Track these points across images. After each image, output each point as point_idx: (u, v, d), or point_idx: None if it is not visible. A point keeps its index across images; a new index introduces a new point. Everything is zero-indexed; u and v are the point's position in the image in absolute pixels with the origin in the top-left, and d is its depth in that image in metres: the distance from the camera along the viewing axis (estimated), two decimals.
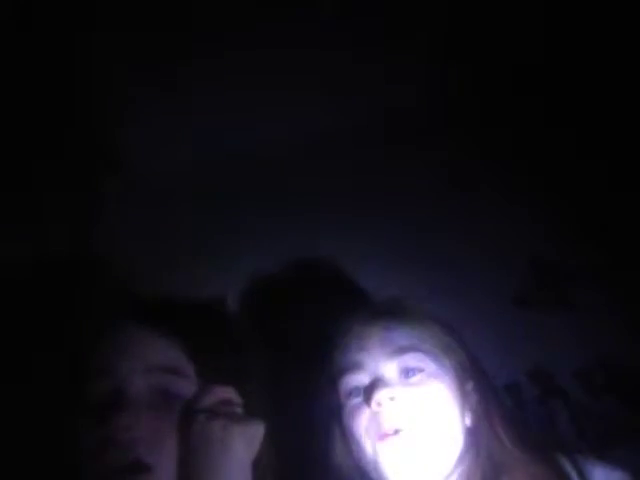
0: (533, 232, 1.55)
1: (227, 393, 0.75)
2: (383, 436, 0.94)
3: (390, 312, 1.03)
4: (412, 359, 0.98)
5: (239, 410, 0.75)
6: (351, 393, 0.99)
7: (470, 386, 1.02)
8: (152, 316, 0.78)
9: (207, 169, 1.89)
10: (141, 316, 0.78)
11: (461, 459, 0.96)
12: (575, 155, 1.53)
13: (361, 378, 0.98)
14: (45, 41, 1.50)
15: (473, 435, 0.98)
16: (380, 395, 0.94)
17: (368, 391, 0.96)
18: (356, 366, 0.99)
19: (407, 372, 0.97)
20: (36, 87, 1.47)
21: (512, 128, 1.63)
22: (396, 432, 0.93)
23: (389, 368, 0.97)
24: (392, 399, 0.94)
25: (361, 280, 1.57)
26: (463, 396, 0.99)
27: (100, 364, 0.75)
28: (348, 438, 0.99)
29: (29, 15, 1.45)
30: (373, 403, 0.94)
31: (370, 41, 1.61)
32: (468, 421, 0.99)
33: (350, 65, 1.66)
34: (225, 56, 1.66)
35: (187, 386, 0.75)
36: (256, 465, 0.72)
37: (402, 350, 0.98)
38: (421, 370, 0.97)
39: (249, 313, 1.68)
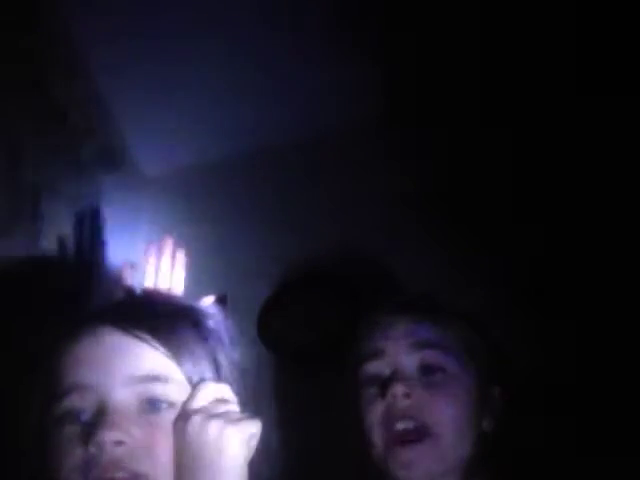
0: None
1: (221, 391, 0.74)
2: (393, 430, 0.93)
3: (420, 306, 1.01)
4: (435, 356, 0.96)
5: (235, 408, 0.74)
6: (369, 381, 0.98)
7: (496, 391, 0.99)
8: (130, 320, 0.74)
9: (207, 169, 1.90)
10: (118, 320, 0.74)
11: (473, 465, 0.94)
12: (576, 154, 1.52)
13: (381, 366, 0.97)
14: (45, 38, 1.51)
15: (492, 442, 0.96)
16: (396, 389, 0.93)
17: (385, 383, 0.95)
18: (377, 353, 0.98)
19: (427, 369, 0.96)
20: (33, 84, 1.47)
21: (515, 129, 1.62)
22: (406, 429, 0.92)
23: (410, 361, 0.96)
24: (407, 395, 0.93)
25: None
26: (484, 400, 0.97)
27: (78, 377, 0.72)
28: (362, 426, 0.98)
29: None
30: (388, 396, 0.93)
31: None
32: (487, 426, 0.97)
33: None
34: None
35: (176, 391, 0.73)
36: (252, 465, 0.71)
37: (426, 344, 0.96)
38: (442, 369, 0.96)
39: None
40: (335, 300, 1.62)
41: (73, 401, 0.72)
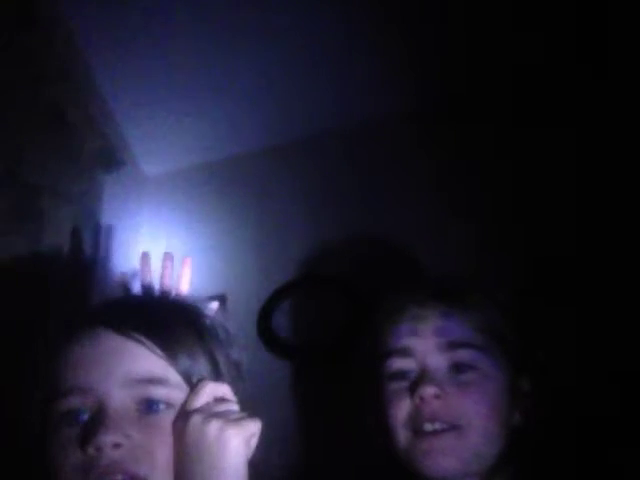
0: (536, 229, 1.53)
1: (221, 390, 0.74)
2: (421, 433, 0.88)
3: (448, 295, 0.96)
4: (466, 355, 0.92)
5: (235, 407, 0.73)
6: (394, 377, 0.93)
7: (526, 385, 0.95)
8: (126, 322, 0.74)
9: (207, 169, 1.90)
10: (115, 322, 0.74)
11: (501, 461, 0.90)
12: (577, 155, 1.52)
13: (408, 364, 0.93)
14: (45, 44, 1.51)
15: (521, 439, 0.92)
16: (426, 390, 0.88)
17: (414, 382, 0.91)
18: (405, 351, 0.93)
19: (458, 368, 0.91)
20: (33, 84, 1.47)
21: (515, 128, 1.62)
22: (435, 432, 0.88)
23: (440, 360, 0.91)
24: (437, 397, 0.89)
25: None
26: (514, 395, 0.93)
27: (77, 380, 0.72)
28: (381, 422, 0.94)
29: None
30: (416, 396, 0.89)
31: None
32: (516, 421, 0.93)
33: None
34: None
35: (174, 392, 0.73)
36: (252, 464, 0.71)
37: (457, 345, 0.92)
38: (473, 368, 0.91)
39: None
40: (336, 300, 1.62)
41: (71, 403, 0.71)
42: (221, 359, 0.78)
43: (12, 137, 1.39)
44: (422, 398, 0.89)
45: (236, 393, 0.75)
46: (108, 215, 1.68)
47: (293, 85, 1.72)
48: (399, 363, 0.93)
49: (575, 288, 1.39)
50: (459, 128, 1.66)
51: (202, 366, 0.76)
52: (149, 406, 0.71)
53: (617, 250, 1.40)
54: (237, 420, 0.70)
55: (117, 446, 0.68)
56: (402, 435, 0.90)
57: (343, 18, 1.58)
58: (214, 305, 0.95)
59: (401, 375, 0.93)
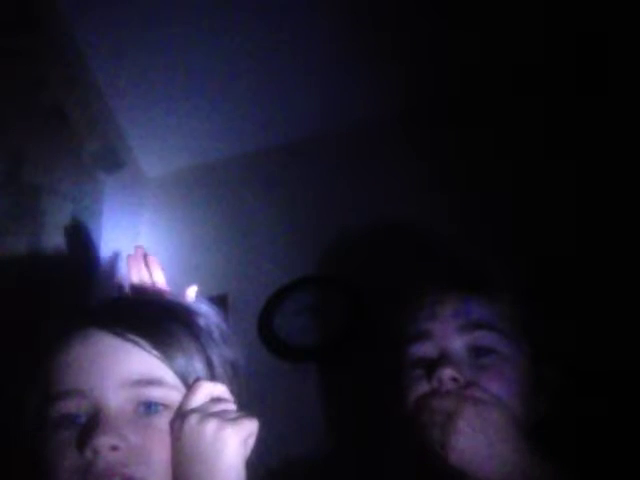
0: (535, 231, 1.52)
1: (217, 390, 0.74)
2: (437, 419, 0.86)
3: (468, 282, 0.95)
4: (485, 337, 0.90)
5: (232, 407, 0.73)
6: (414, 363, 0.92)
7: (551, 373, 0.93)
8: (121, 322, 0.74)
9: (207, 169, 1.90)
10: (109, 323, 0.73)
11: (527, 454, 0.85)
12: (574, 155, 1.52)
13: (428, 349, 0.92)
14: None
15: (550, 429, 0.89)
16: (443, 373, 0.87)
17: (432, 366, 0.89)
18: (424, 335, 0.92)
19: (477, 351, 0.90)
20: (33, 84, 1.47)
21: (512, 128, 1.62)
22: (451, 417, 0.85)
23: (459, 343, 0.90)
24: (455, 380, 0.87)
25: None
26: (539, 381, 0.91)
27: (73, 382, 0.71)
28: (401, 413, 0.92)
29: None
30: (434, 379, 0.88)
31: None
32: (542, 409, 0.91)
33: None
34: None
35: (171, 393, 0.72)
36: (250, 464, 0.71)
37: (476, 326, 0.91)
38: (493, 351, 0.89)
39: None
40: (336, 300, 1.62)
41: (68, 406, 0.71)
42: (217, 359, 0.78)
43: (12, 137, 1.39)
44: (440, 380, 0.87)
45: (233, 393, 0.75)
46: (108, 215, 1.68)
47: (293, 85, 1.73)
48: (419, 347, 0.92)
49: (575, 286, 1.39)
50: (458, 129, 1.66)
51: (198, 366, 0.76)
52: (146, 407, 0.71)
53: (617, 249, 1.39)
54: (234, 420, 0.69)
55: (114, 448, 0.67)
56: (420, 421, 0.88)
57: (341, 19, 1.58)
58: (191, 292, 0.95)
59: (422, 360, 0.92)
